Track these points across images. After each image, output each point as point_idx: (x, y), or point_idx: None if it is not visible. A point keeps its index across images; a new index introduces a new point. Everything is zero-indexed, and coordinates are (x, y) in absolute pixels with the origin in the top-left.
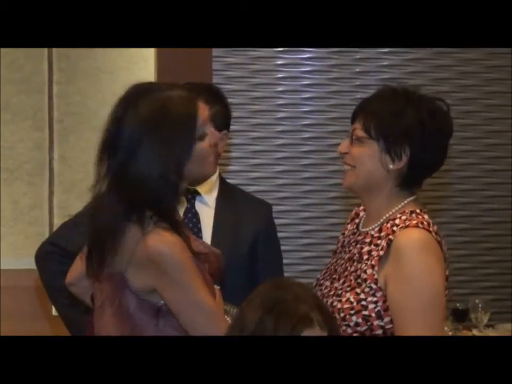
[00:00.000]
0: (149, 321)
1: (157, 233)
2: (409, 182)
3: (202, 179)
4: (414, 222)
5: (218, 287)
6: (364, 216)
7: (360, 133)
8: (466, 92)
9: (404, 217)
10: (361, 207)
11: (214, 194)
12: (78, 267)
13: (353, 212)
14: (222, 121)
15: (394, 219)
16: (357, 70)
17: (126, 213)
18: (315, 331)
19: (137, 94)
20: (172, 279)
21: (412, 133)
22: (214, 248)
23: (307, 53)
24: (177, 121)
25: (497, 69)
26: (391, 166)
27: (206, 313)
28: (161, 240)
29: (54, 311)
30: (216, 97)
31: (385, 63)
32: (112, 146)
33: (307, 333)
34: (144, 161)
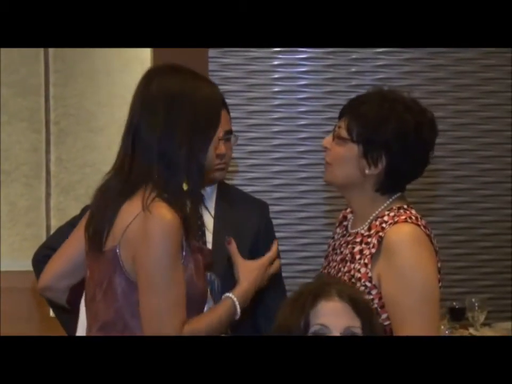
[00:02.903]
0: (134, 307)
1: (155, 206)
2: (388, 187)
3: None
4: (403, 217)
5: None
6: (352, 217)
7: (343, 132)
8: (462, 92)
9: (392, 214)
10: (348, 210)
11: (214, 195)
12: (52, 269)
13: (341, 215)
14: None
15: (382, 216)
16: (353, 70)
17: (131, 189)
18: (333, 300)
19: (165, 70)
20: (148, 254)
21: (391, 143)
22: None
23: (303, 53)
24: (209, 104)
25: (492, 68)
26: (367, 171)
27: (161, 310)
28: (157, 213)
29: (51, 313)
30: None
31: (381, 63)
32: (138, 121)
33: (325, 302)
34: (176, 136)
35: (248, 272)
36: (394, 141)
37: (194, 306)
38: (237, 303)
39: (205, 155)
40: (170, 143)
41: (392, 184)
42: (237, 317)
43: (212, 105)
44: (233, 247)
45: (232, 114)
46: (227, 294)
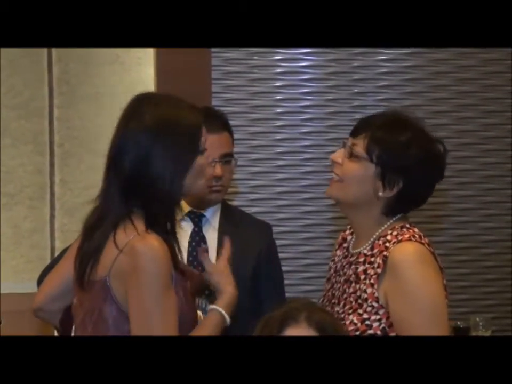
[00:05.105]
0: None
1: (144, 237)
2: (395, 210)
3: (194, 194)
4: (406, 236)
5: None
6: (353, 239)
7: (360, 151)
8: (464, 98)
9: (395, 233)
10: (347, 232)
11: (217, 216)
12: (45, 290)
13: (340, 237)
14: None
15: (385, 235)
16: (355, 77)
17: (119, 216)
18: (300, 327)
19: (142, 102)
20: (140, 286)
21: (411, 169)
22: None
23: (305, 61)
24: (184, 131)
25: (493, 75)
26: (380, 193)
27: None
28: (147, 244)
29: (56, 334)
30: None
31: (383, 70)
32: (118, 154)
33: (291, 329)
34: (153, 166)
35: (226, 275)
36: (414, 167)
37: (185, 333)
38: (224, 313)
39: (181, 183)
40: (146, 173)
41: (400, 208)
42: (227, 324)
43: (189, 133)
44: (204, 255)
45: (234, 122)
46: (213, 307)
